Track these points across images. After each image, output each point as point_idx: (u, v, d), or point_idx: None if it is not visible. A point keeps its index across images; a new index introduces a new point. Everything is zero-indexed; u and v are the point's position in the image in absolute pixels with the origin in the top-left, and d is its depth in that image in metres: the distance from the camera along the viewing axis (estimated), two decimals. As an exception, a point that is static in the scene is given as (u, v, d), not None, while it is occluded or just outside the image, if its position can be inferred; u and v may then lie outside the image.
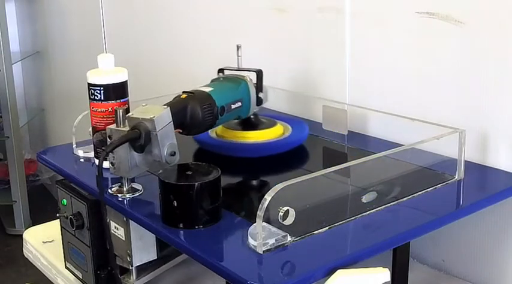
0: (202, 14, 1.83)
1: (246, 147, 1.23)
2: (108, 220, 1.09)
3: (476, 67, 1.16)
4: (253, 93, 1.25)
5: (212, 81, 1.24)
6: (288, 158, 1.23)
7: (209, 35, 1.81)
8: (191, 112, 1.10)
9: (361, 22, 1.36)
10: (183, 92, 1.13)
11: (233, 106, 1.20)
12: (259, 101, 1.26)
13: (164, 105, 1.06)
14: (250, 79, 1.26)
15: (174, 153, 1.02)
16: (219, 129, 1.26)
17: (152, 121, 1.00)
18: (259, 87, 1.27)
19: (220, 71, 1.29)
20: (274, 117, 1.32)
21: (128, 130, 1.01)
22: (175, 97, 1.12)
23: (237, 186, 1.17)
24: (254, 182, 1.20)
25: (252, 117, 1.27)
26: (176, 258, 1.19)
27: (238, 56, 1.31)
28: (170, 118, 1.03)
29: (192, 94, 1.13)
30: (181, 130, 1.10)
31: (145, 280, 1.15)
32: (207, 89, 1.16)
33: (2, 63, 2.84)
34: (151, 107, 1.04)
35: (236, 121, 1.26)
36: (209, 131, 1.25)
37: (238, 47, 1.31)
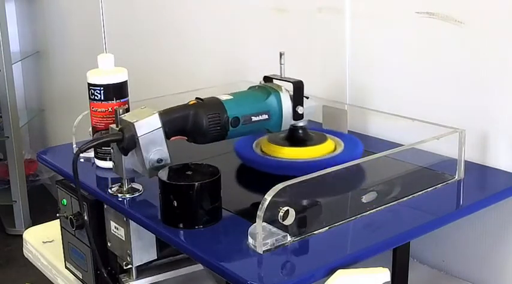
0: (202, 14, 1.83)
1: (292, 165, 1.12)
2: (85, 216, 1.08)
3: (476, 67, 1.16)
4: (288, 106, 1.13)
5: (249, 88, 1.17)
6: (339, 178, 1.08)
7: (209, 34, 1.81)
8: (194, 120, 1.05)
9: (361, 22, 1.36)
10: (196, 98, 1.09)
11: (255, 118, 1.10)
12: (296, 115, 1.14)
13: (166, 109, 1.05)
14: (287, 91, 1.15)
15: (161, 160, 1.01)
16: (263, 143, 1.18)
17: (134, 125, 0.99)
18: (296, 100, 1.14)
19: (266, 78, 1.19)
20: (323, 131, 1.23)
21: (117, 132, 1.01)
22: (186, 103, 1.09)
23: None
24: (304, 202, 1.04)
25: (300, 131, 1.16)
26: (181, 269, 1.18)
27: (281, 64, 1.18)
28: (158, 124, 1.01)
29: (201, 101, 1.08)
30: (185, 138, 1.07)
31: (145, 281, 1.15)
32: (224, 97, 1.10)
33: (2, 63, 2.84)
34: (145, 110, 1.02)
35: (282, 135, 1.17)
36: (253, 145, 1.18)
37: (281, 54, 1.18)
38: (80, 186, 1.02)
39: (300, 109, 1.14)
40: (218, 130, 1.07)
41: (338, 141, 1.20)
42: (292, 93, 1.15)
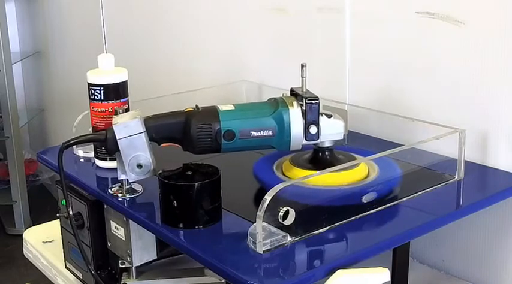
0: (202, 14, 1.83)
1: (316, 193, 1.00)
2: (70, 211, 1.08)
3: (476, 67, 1.16)
4: (298, 123, 1.02)
5: (268, 100, 1.08)
6: (368, 207, 0.99)
7: (209, 34, 1.81)
8: (184, 129, 1.01)
9: (361, 22, 1.36)
10: (196, 106, 1.04)
11: (255, 133, 1.01)
12: (309, 136, 1.03)
13: (157, 114, 1.04)
14: (299, 106, 1.04)
15: (140, 165, 1.00)
16: (285, 165, 1.09)
17: (112, 127, 0.99)
18: (309, 119, 1.03)
19: (291, 90, 1.09)
20: (351, 151, 1.12)
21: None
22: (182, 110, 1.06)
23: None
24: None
25: (326, 153, 1.06)
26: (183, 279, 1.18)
27: (302, 76, 1.06)
28: (140, 129, 0.99)
29: (196, 110, 1.03)
30: (178, 146, 1.04)
31: (145, 282, 1.15)
32: (224, 108, 1.03)
33: (2, 63, 2.84)
34: (132, 113, 1.02)
35: (306, 157, 1.08)
36: (274, 167, 1.10)
37: (303, 66, 1.07)
38: (64, 179, 1.03)
39: (312, 129, 1.03)
40: (208, 142, 1.01)
41: (370, 163, 1.09)
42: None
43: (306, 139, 1.04)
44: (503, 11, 1.10)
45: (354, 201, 1.00)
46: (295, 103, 1.04)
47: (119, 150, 1.00)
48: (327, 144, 1.06)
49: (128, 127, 0.99)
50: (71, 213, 1.07)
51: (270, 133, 1.03)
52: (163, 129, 1.02)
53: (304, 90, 1.06)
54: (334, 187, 1.01)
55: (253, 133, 1.02)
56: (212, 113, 1.02)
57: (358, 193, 1.00)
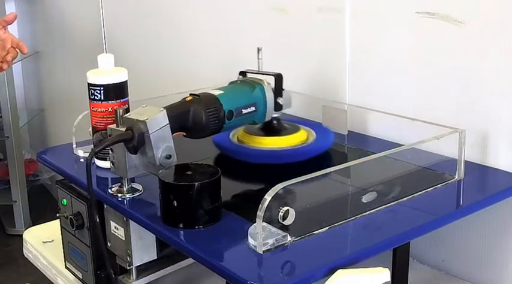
0: (202, 14, 1.83)
1: (265, 154, 1.18)
2: (96, 219, 1.07)
3: (476, 67, 1.16)
4: (271, 98, 1.21)
5: (230, 83, 1.23)
6: (309, 165, 1.14)
7: (210, 34, 1.81)
8: (194, 116, 1.08)
9: (361, 22, 1.36)
10: (190, 94, 1.12)
11: (244, 110, 1.17)
12: (277, 106, 1.22)
13: (166, 107, 1.05)
14: (269, 84, 1.22)
15: (170, 156, 1.01)
16: (240, 133, 1.24)
17: (145, 123, 0.99)
18: (277, 91, 1.22)
19: (242, 73, 1.26)
20: (298, 123, 1.28)
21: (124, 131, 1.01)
22: (181, 100, 1.11)
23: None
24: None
25: (274, 122, 1.23)
26: (179, 262, 1.18)
27: (258, 59, 1.25)
28: (166, 121, 1.02)
29: (198, 97, 1.11)
30: (184, 134, 1.09)
31: (145, 281, 1.15)
32: (216, 92, 1.14)
33: (2, 63, 2.84)
34: (149, 108, 1.03)
35: (258, 126, 1.23)
36: (230, 135, 1.24)
37: (259, 50, 1.25)
38: (92, 191, 1.02)
39: (280, 100, 1.22)
40: (216, 124, 1.11)
41: (310, 131, 1.25)
42: (272, 86, 1.22)
43: (274, 110, 1.22)
44: (503, 11, 1.10)
45: (295, 159, 1.17)
46: (265, 81, 1.21)
47: (143, 146, 1.00)
48: (275, 115, 1.23)
49: (157, 121, 1.01)
50: (97, 220, 1.04)
51: (253, 108, 1.18)
52: (177, 119, 1.06)
53: (261, 70, 1.25)
54: (279, 148, 1.19)
55: (244, 111, 1.17)
56: (212, 98, 1.12)
57: (296, 152, 1.19)
